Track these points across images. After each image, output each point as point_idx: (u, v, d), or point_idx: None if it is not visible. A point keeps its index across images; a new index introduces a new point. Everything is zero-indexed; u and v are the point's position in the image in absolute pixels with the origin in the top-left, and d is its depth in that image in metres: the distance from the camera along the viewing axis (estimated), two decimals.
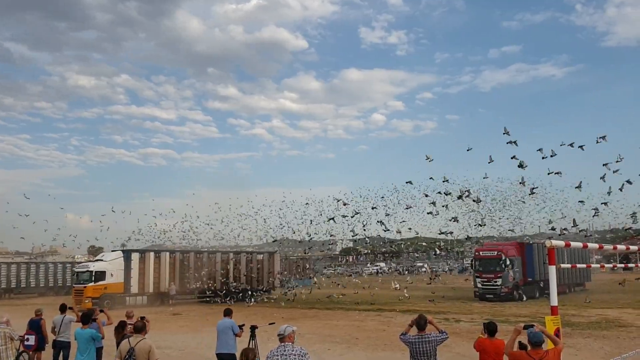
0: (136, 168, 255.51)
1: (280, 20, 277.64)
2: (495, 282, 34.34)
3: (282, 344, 6.35)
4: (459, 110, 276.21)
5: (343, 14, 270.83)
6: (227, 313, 11.24)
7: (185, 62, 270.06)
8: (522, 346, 6.90)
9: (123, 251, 37.76)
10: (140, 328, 7.67)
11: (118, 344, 8.18)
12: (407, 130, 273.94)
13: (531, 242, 38.93)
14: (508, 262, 34.43)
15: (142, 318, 8.74)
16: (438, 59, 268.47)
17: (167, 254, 38.89)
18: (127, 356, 7.28)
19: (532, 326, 6.29)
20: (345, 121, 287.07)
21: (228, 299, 35.93)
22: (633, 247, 11.97)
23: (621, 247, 11.09)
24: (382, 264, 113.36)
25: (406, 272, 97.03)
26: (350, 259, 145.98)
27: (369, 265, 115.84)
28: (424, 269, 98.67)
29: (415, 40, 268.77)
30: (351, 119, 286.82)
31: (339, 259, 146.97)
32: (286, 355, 6.22)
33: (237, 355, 10.18)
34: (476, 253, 38.10)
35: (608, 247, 10.78)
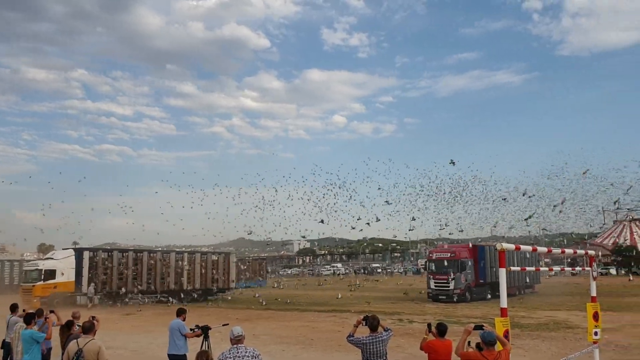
0: (90, 164, 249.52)
1: (241, 18, 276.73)
2: (448, 283, 34.91)
3: (235, 345, 6.31)
4: (418, 114, 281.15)
5: (305, 14, 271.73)
6: (179, 313, 11.07)
7: (143, 58, 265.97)
8: (479, 346, 7.02)
9: (75, 249, 36.82)
10: (89, 328, 7.46)
11: (64, 345, 7.93)
12: (367, 133, 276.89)
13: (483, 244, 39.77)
14: None
15: (92, 318, 8.51)
16: (398, 62, 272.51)
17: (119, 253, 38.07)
18: (75, 357, 7.08)
19: (482, 327, 6.41)
20: (306, 121, 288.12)
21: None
22: (580, 251, 12.37)
23: (569, 251, 11.43)
24: (339, 265, 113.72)
25: (364, 272, 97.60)
26: (307, 260, 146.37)
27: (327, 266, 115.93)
28: (379, 270, 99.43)
29: (377, 43, 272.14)
30: (312, 120, 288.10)
31: (296, 260, 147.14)
32: (239, 357, 6.18)
33: (189, 356, 10.07)
34: (430, 254, 38.72)
35: (557, 250, 11.11)
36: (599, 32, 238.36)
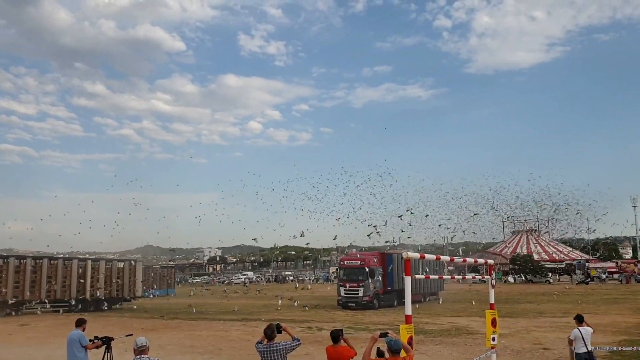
0: None
1: (156, 19, 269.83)
2: (358, 290, 35.52)
3: (139, 356, 6.14)
4: (333, 124, 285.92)
5: (223, 19, 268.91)
6: (79, 324, 10.54)
7: (49, 55, 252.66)
8: (379, 353, 7.18)
9: None
10: None
11: None
12: (283, 140, 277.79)
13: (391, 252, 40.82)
14: None
15: None
16: (315, 72, 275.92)
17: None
18: None
19: (387, 334, 6.59)
20: (221, 127, 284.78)
21: None
22: (480, 260, 13.02)
23: (470, 260, 12.00)
24: (250, 273, 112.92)
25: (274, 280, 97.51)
26: (218, 268, 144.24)
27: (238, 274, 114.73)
28: (291, 278, 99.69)
29: (294, 53, 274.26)
30: (227, 125, 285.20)
31: (206, 268, 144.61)
32: None
33: None
34: (341, 262, 39.29)
35: (458, 259, 11.63)
36: (504, 51, 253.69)
